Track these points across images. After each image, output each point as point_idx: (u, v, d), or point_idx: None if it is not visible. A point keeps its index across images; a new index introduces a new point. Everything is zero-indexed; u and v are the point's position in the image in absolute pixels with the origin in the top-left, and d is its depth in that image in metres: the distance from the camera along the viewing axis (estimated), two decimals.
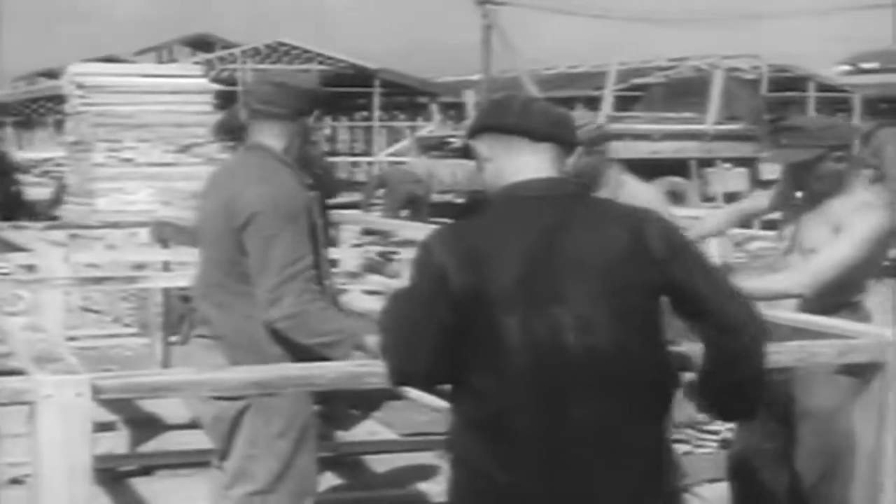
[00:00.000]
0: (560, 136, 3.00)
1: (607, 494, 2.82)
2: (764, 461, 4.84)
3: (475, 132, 3.06)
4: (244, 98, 4.26)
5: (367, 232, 14.78)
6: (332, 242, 8.58)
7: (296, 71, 32.47)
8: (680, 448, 5.96)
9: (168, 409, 6.85)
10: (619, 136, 22.43)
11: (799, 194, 4.84)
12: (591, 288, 2.80)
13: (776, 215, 5.05)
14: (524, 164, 2.96)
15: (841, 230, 4.53)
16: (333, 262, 7.12)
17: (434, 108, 37.48)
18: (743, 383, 3.00)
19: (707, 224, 5.48)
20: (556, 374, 2.78)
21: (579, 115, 5.50)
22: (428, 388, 3.12)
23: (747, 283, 4.51)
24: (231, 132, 4.35)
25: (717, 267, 2.96)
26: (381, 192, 22.11)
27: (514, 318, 2.78)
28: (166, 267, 8.19)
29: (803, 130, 4.68)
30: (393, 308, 3.02)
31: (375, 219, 15.70)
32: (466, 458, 2.91)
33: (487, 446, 2.83)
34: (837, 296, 4.57)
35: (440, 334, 2.83)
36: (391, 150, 35.68)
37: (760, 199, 5.28)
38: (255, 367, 3.36)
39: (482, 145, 3.01)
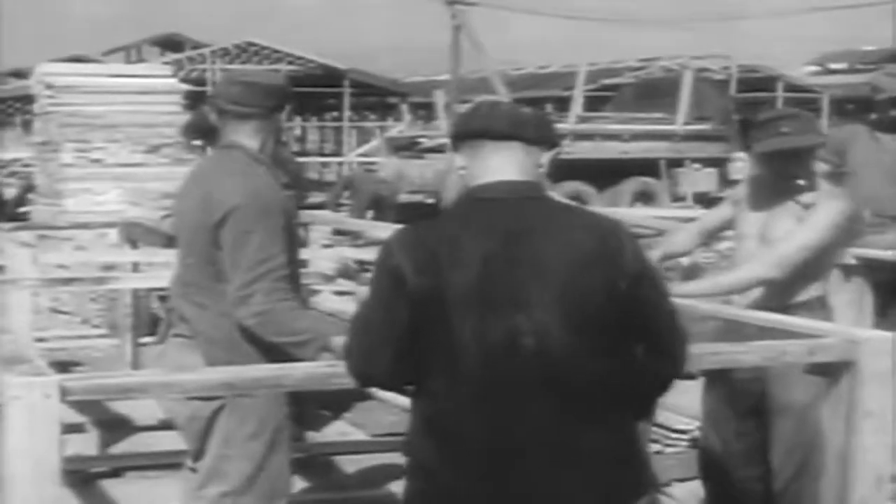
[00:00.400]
0: (525, 136, 2.97)
1: (553, 500, 2.81)
2: (736, 461, 4.86)
3: (454, 143, 3.05)
4: (212, 99, 4.25)
5: (338, 232, 14.76)
6: (303, 243, 8.58)
7: (262, 70, 32.41)
8: (650, 448, 5.96)
9: (138, 410, 6.82)
10: (590, 137, 22.52)
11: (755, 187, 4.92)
12: (551, 293, 2.78)
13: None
14: (489, 166, 2.94)
15: (805, 218, 4.64)
16: (303, 263, 7.13)
17: (404, 108, 37.41)
18: (650, 398, 3.11)
19: (677, 243, 5.38)
20: (508, 377, 2.77)
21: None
22: (391, 389, 3.09)
23: (715, 279, 4.69)
24: (200, 133, 4.33)
25: (669, 294, 3.00)
26: (347, 193, 22.12)
27: (469, 321, 2.76)
28: (135, 268, 8.17)
29: (802, 118, 4.78)
30: (358, 311, 3.02)
31: (345, 219, 15.68)
32: (419, 459, 2.91)
33: (438, 448, 2.83)
34: (801, 285, 4.66)
35: (399, 336, 2.83)
36: (361, 150, 35.65)
37: (723, 208, 5.21)
38: (223, 368, 3.36)
39: (460, 154, 3.01)
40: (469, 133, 2.99)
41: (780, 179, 4.74)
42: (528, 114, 3.05)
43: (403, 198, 22.30)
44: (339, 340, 3.81)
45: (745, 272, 4.69)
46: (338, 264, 7.29)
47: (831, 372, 3.65)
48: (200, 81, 30.99)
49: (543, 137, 3.02)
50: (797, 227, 4.63)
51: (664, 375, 2.99)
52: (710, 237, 5.34)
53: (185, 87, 17.24)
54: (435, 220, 2.98)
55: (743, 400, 4.81)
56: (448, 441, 2.82)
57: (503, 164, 2.94)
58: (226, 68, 33.84)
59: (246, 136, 4.10)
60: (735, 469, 4.89)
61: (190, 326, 4.12)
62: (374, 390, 6.86)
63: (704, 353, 3.58)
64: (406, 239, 2.89)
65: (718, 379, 4.80)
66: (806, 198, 4.69)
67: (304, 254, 7.63)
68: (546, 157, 3.00)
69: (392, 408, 7.14)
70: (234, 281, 3.93)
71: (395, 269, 2.81)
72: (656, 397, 3.10)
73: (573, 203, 5.20)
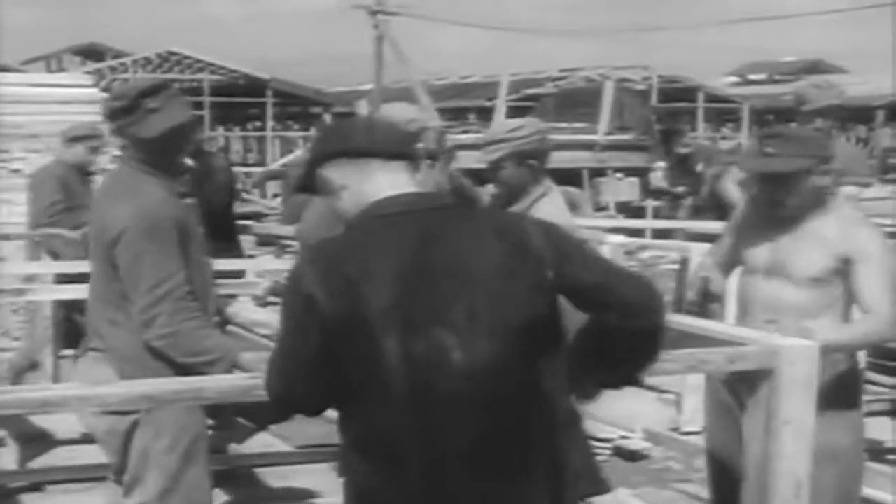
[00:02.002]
0: (410, 152, 2.99)
1: None
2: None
3: (321, 161, 2.98)
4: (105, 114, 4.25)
5: (263, 243, 14.68)
6: (240, 252, 8.55)
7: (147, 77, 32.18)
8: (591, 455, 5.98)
9: (58, 423, 6.76)
10: None
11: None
12: (473, 303, 2.74)
13: (675, 224, 5.00)
14: (383, 182, 2.90)
15: (851, 259, 4.31)
16: (239, 273, 7.10)
17: (327, 118, 37.36)
18: (639, 360, 2.94)
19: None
20: (439, 395, 2.73)
21: (528, 122, 5.40)
22: (311, 413, 3.03)
23: (838, 337, 4.24)
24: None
25: (601, 253, 2.89)
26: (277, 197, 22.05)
27: (392, 341, 2.71)
28: (56, 279, 8.08)
29: (793, 139, 4.44)
30: (275, 339, 2.99)
31: (276, 227, 15.62)
32: (354, 479, 2.89)
33: (372, 468, 2.80)
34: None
35: (314, 363, 2.78)
36: (284, 160, 35.53)
37: (726, 238, 4.83)
38: (143, 381, 3.33)
39: (333, 174, 2.95)
40: (352, 151, 2.94)
41: (771, 203, 4.46)
42: (404, 130, 3.07)
43: None
44: (247, 357, 3.83)
45: (869, 332, 4.34)
46: (267, 283, 7.26)
47: (752, 379, 3.67)
48: None
49: (418, 152, 3.06)
50: (868, 271, 4.29)
51: (648, 328, 2.86)
52: (728, 271, 4.83)
53: (107, 96, 17.07)
54: (341, 240, 2.89)
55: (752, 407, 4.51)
56: (383, 461, 2.78)
57: (398, 180, 2.91)
58: (148, 77, 33.65)
59: (135, 150, 4.10)
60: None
61: (103, 341, 4.10)
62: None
63: None
64: (315, 264, 2.81)
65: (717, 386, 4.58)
66: (824, 223, 4.38)
67: (238, 264, 7.64)
68: (420, 173, 2.99)
69: (317, 419, 7.13)
70: (136, 304, 3.93)
71: (306, 298, 2.74)
72: (649, 356, 2.93)
73: (477, 206, 5.22)
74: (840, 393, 4.35)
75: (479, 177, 5.90)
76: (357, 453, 2.85)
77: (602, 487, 3.02)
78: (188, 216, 4.14)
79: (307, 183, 3.04)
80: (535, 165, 5.08)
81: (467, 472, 2.76)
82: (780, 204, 4.41)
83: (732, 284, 4.82)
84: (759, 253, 4.49)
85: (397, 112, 5.71)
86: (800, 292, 4.38)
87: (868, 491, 5.37)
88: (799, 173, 4.34)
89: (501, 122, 4.86)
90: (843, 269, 4.33)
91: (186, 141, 4.29)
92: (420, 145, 4.70)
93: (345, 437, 2.90)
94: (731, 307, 4.87)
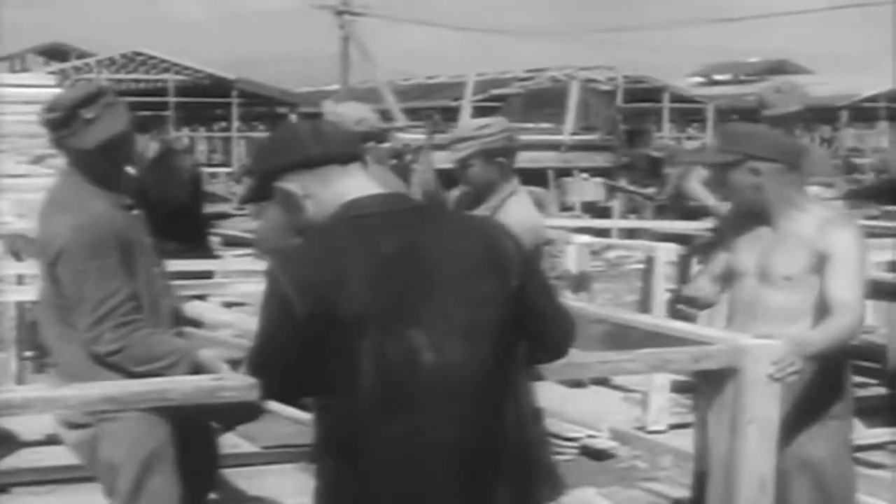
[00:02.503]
0: (360, 153, 3.01)
1: None
2: None
3: (276, 175, 2.96)
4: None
5: (229, 243, 14.63)
6: (209, 253, 8.51)
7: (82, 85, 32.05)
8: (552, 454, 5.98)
9: (23, 425, 6.72)
10: None
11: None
12: (445, 303, 2.77)
13: (641, 223, 5.01)
14: (347, 186, 2.91)
15: (827, 255, 4.29)
16: (207, 274, 7.07)
17: (293, 118, 37.31)
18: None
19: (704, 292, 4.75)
20: (412, 394, 2.75)
21: (495, 121, 5.37)
22: (290, 404, 3.09)
23: (814, 337, 4.15)
24: None
25: (553, 286, 2.99)
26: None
27: (365, 338, 2.73)
28: (20, 280, 8.03)
29: (729, 134, 4.52)
30: (255, 336, 3.00)
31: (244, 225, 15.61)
32: (325, 476, 2.90)
33: (344, 465, 2.82)
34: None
35: (289, 361, 2.81)
36: None
37: (715, 253, 4.74)
38: (108, 383, 3.31)
39: (293, 186, 2.94)
40: (307, 162, 2.93)
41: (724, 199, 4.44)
42: (349, 132, 3.08)
43: None
44: (206, 354, 3.80)
45: (837, 330, 4.21)
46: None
47: (716, 379, 3.68)
48: None
49: (364, 151, 3.11)
50: (816, 266, 4.30)
51: (543, 364, 3.05)
52: (726, 283, 4.69)
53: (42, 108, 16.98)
54: (315, 242, 2.90)
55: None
56: (355, 459, 2.79)
57: (359, 182, 2.93)
58: (112, 78, 33.50)
59: (78, 161, 4.02)
60: None
61: (52, 356, 4.09)
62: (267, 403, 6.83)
63: (592, 360, 3.61)
64: (289, 266, 2.81)
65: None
66: (800, 224, 4.37)
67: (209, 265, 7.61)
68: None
69: (283, 419, 7.11)
70: (81, 322, 3.88)
71: (282, 298, 2.76)
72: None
73: (447, 208, 5.22)
74: (821, 400, 4.35)
75: (447, 176, 5.90)
76: (328, 449, 2.87)
77: (561, 489, 3.02)
78: (133, 228, 4.05)
79: (258, 195, 3.05)
80: (504, 163, 5.09)
81: (436, 469, 2.77)
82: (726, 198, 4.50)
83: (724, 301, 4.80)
84: (747, 258, 4.49)
85: (348, 111, 5.71)
86: (784, 294, 4.37)
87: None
88: (724, 165, 4.40)
89: (468, 121, 4.83)
90: (821, 267, 4.31)
91: (127, 150, 4.15)
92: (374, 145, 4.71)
93: (317, 433, 2.92)
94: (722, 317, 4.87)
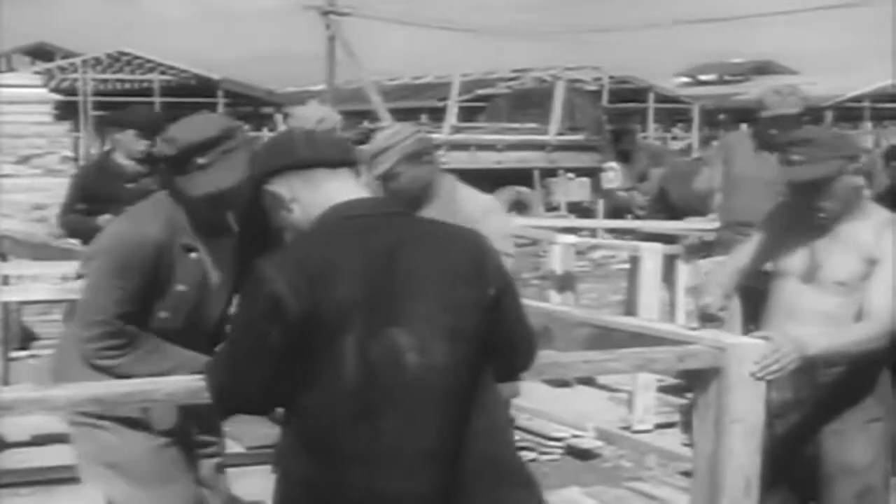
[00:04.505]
0: (352, 160, 3.04)
1: None
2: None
3: (266, 177, 3.00)
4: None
5: None
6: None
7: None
8: (525, 456, 6.00)
9: (8, 426, 6.71)
10: (465, 147, 22.64)
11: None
12: (429, 306, 2.80)
13: (627, 224, 4.98)
14: (334, 190, 2.94)
15: (877, 260, 4.21)
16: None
17: (279, 118, 37.24)
18: None
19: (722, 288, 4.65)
20: (394, 394, 2.77)
21: (402, 125, 5.22)
22: (261, 414, 3.06)
23: (819, 340, 4.04)
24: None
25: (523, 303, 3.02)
26: None
27: (351, 337, 2.75)
28: (5, 281, 8.02)
29: (818, 143, 4.25)
30: (223, 345, 2.99)
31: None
32: (294, 474, 2.90)
33: (316, 465, 2.82)
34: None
35: (271, 364, 2.79)
36: None
37: (750, 242, 4.65)
38: (92, 383, 3.32)
39: (280, 188, 2.97)
40: (297, 165, 2.97)
41: (807, 209, 4.30)
42: (341, 138, 3.10)
43: None
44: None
45: (864, 337, 4.14)
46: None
47: (701, 378, 3.68)
48: (72, 91, 30.57)
49: (359, 159, 3.12)
50: (867, 272, 4.21)
51: (500, 379, 3.04)
52: (748, 277, 4.65)
53: (56, 96, 16.99)
54: (307, 244, 2.92)
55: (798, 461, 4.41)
56: (330, 457, 2.80)
57: (347, 186, 2.96)
58: (98, 78, 33.43)
59: (185, 201, 3.82)
60: None
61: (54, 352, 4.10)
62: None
63: (576, 360, 3.62)
64: (281, 263, 2.82)
65: None
66: (856, 227, 4.27)
67: None
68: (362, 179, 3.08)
69: (269, 420, 7.11)
70: (79, 326, 3.83)
71: (272, 295, 2.75)
72: None
73: (438, 219, 5.16)
74: (859, 403, 4.31)
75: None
76: (299, 448, 2.87)
77: (537, 495, 3.02)
78: (185, 267, 3.85)
79: (250, 198, 3.09)
80: (431, 161, 4.84)
81: (413, 469, 2.79)
82: (819, 210, 4.25)
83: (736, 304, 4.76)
84: (795, 258, 4.37)
85: (308, 112, 5.70)
86: (828, 298, 4.27)
87: None
88: (829, 177, 4.20)
89: (376, 136, 4.68)
90: (871, 273, 4.22)
91: (234, 201, 3.76)
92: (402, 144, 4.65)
93: (288, 433, 2.93)
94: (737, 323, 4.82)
